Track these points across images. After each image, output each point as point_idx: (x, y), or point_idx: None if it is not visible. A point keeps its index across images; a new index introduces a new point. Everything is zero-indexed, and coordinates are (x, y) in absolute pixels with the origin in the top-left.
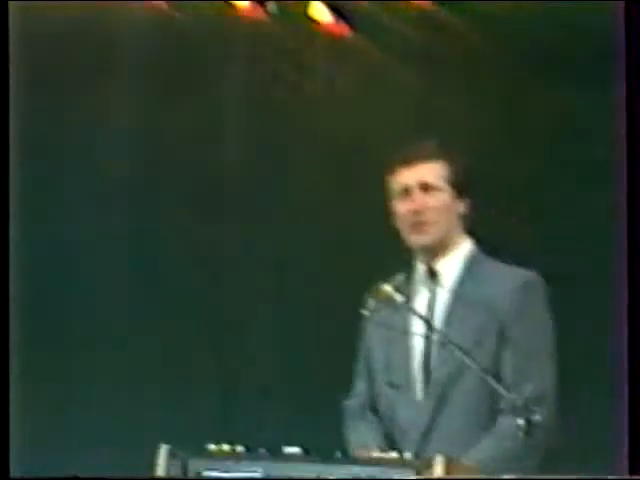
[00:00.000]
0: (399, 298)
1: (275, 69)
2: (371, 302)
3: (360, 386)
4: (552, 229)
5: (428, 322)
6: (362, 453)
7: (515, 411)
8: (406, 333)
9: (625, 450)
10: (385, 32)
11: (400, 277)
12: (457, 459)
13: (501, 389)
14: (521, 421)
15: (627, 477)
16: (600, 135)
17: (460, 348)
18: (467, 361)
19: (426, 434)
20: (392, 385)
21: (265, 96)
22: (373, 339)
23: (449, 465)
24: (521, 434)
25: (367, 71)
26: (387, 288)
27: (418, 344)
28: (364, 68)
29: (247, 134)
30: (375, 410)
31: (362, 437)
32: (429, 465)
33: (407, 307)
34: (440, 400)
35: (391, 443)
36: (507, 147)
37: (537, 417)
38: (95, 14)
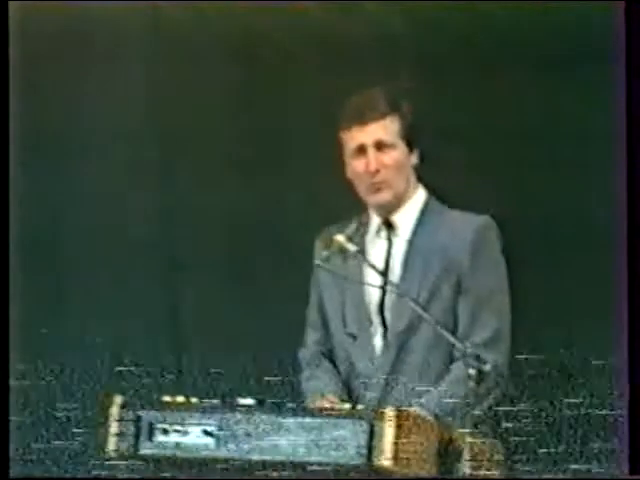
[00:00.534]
0: (352, 247)
1: (272, 67)
2: (324, 252)
3: (315, 335)
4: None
5: (381, 273)
6: (317, 402)
7: (466, 360)
8: (361, 283)
9: (625, 450)
10: (384, 30)
11: (352, 226)
12: (409, 410)
13: (452, 338)
14: (472, 370)
15: (627, 477)
16: (600, 135)
17: (413, 299)
18: (419, 311)
19: (386, 384)
20: (350, 335)
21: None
22: (327, 288)
23: (400, 416)
24: (472, 383)
25: (365, 68)
26: (340, 238)
27: (375, 293)
28: (362, 65)
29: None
30: (331, 359)
31: (318, 386)
32: (381, 416)
33: (360, 257)
34: (399, 350)
35: (349, 392)
36: (505, 148)
37: (487, 367)
38: (95, 13)
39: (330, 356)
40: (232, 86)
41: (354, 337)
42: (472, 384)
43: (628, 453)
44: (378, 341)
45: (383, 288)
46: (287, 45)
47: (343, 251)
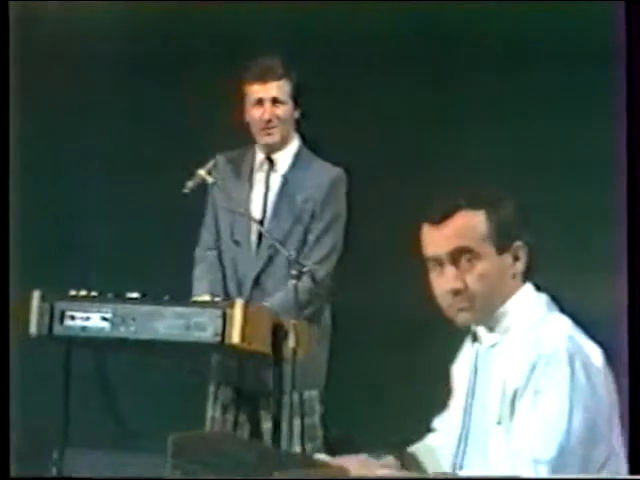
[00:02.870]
0: (210, 179)
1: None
2: (189, 183)
3: (208, 237)
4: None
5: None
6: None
7: (290, 264)
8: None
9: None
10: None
11: (211, 162)
12: (255, 304)
13: (281, 248)
14: (294, 272)
15: (627, 477)
16: (599, 136)
17: (254, 220)
18: (262, 231)
19: (256, 282)
20: (235, 242)
21: None
22: (220, 203)
23: (246, 305)
24: (294, 280)
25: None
26: (201, 172)
27: (257, 212)
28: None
29: None
30: (220, 259)
31: (203, 286)
32: (232, 305)
33: (219, 185)
34: (268, 259)
35: (226, 288)
36: (508, 148)
37: (305, 268)
38: (96, 13)
39: (219, 256)
40: None
41: (239, 244)
42: (294, 281)
43: (628, 453)
44: (255, 249)
45: (265, 210)
46: None
47: (204, 182)
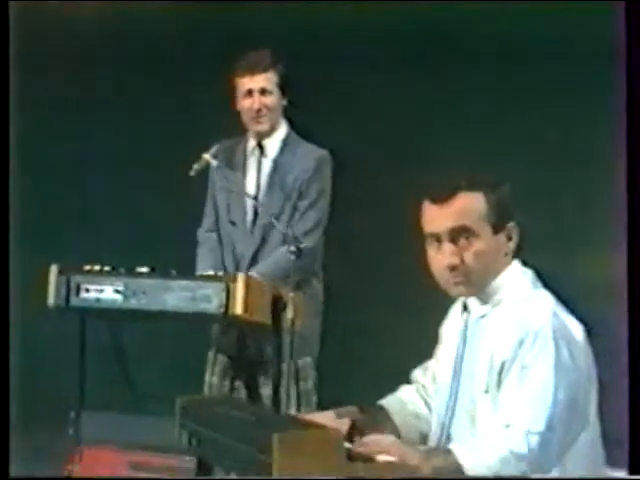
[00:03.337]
0: (214, 162)
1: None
2: (195, 166)
3: (208, 220)
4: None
5: (256, 186)
6: (201, 271)
7: (289, 241)
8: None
9: (625, 450)
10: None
11: (215, 147)
12: (254, 275)
13: (280, 225)
14: (293, 248)
15: (627, 477)
16: (599, 135)
17: (255, 199)
18: (260, 208)
19: (253, 259)
20: (232, 222)
21: None
22: (218, 187)
23: (247, 279)
24: (293, 257)
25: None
26: (206, 156)
27: (251, 193)
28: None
29: None
30: (219, 239)
31: (204, 265)
32: (234, 279)
33: (221, 169)
34: (263, 236)
35: (227, 266)
36: (505, 148)
37: (303, 245)
38: (95, 13)
39: (219, 237)
40: None
41: (235, 224)
42: (293, 257)
43: (628, 453)
44: (250, 228)
45: (258, 191)
46: None
47: (209, 165)
